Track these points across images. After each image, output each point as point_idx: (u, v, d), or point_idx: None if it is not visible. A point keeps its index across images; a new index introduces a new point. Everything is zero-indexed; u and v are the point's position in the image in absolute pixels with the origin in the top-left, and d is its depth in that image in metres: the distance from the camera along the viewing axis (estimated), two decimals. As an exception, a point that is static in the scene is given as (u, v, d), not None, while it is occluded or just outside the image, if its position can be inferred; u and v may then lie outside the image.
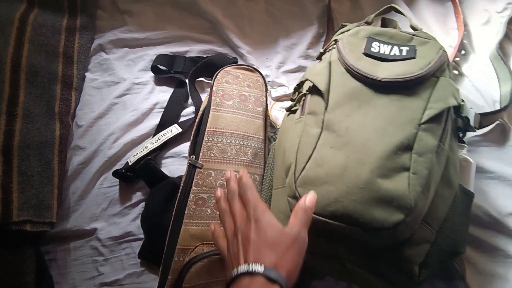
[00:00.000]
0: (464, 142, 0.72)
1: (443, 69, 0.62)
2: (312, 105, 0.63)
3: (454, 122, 0.67)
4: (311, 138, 0.60)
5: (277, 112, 0.90)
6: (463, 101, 0.65)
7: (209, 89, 0.81)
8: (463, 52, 0.91)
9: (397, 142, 0.56)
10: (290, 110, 0.70)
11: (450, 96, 0.60)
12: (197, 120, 0.78)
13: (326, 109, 0.61)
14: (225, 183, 0.59)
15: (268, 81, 0.94)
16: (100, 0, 1.02)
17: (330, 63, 0.64)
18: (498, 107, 0.85)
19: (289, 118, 0.70)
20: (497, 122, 0.83)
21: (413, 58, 0.62)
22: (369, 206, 0.54)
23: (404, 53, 0.63)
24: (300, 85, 0.69)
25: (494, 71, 0.88)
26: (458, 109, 0.63)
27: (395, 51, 0.63)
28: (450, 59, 0.88)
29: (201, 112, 0.78)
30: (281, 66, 0.95)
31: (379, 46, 0.64)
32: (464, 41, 0.91)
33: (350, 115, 0.59)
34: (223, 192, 0.59)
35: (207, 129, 0.75)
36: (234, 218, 0.54)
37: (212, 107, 0.77)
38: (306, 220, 0.51)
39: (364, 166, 0.56)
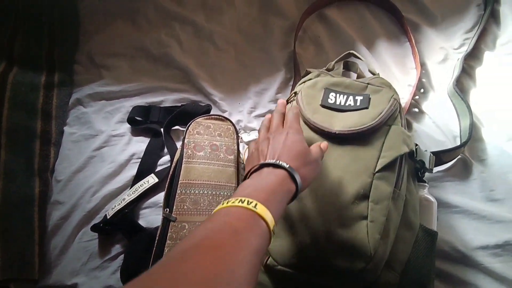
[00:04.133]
0: (424, 181, 0.76)
1: (395, 117, 0.66)
2: None
3: (412, 164, 0.71)
4: None
5: (250, 156, 0.93)
6: (416, 145, 0.69)
7: (185, 137, 0.85)
8: (422, 90, 0.95)
9: (353, 192, 0.59)
10: None
11: (402, 144, 0.63)
12: (170, 172, 0.81)
13: None
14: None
15: (241, 126, 0.97)
16: (77, 56, 1.06)
17: None
18: (459, 142, 0.88)
19: None
20: (459, 156, 0.86)
21: (366, 108, 0.65)
22: (331, 256, 0.57)
23: (358, 103, 0.67)
24: None
25: (453, 107, 0.92)
26: (412, 154, 0.67)
27: (350, 101, 0.67)
28: (410, 98, 0.92)
29: (174, 164, 0.81)
30: (253, 111, 0.99)
31: (335, 97, 0.68)
32: (423, 79, 0.96)
33: None
34: (271, 114, 0.63)
35: (180, 182, 0.77)
36: (270, 127, 0.58)
37: (184, 160, 0.80)
38: (321, 153, 0.56)
39: (324, 216, 0.59)
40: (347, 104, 0.67)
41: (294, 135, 0.55)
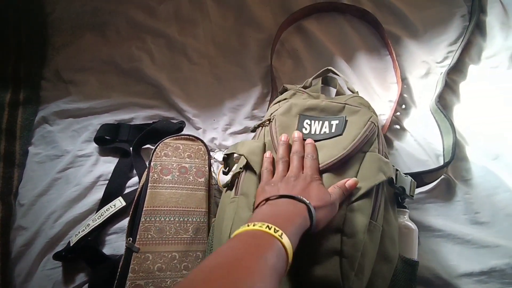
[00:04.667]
0: (405, 207, 0.71)
1: (371, 142, 0.62)
2: (245, 186, 0.62)
3: (391, 190, 0.66)
4: (243, 222, 0.58)
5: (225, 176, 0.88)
6: (397, 170, 0.65)
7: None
8: (403, 106, 0.91)
9: (324, 227, 0.55)
10: (227, 186, 0.69)
11: (378, 172, 0.59)
12: (135, 198, 0.76)
13: None
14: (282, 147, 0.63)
15: (216, 144, 0.93)
16: (44, 72, 1.01)
17: (265, 145, 0.64)
18: (442, 161, 0.84)
19: (226, 195, 0.68)
20: (442, 177, 0.82)
21: (340, 134, 0.61)
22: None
23: (333, 129, 0.63)
24: (229, 156, 0.68)
25: (436, 124, 0.88)
26: (392, 181, 0.63)
27: (326, 128, 0.63)
28: (391, 114, 0.88)
29: (139, 189, 0.76)
30: (228, 128, 0.95)
31: (310, 125, 0.64)
32: (404, 95, 0.92)
33: None
34: (287, 138, 0.63)
35: (144, 209, 0.73)
36: (291, 170, 0.58)
37: (149, 185, 0.75)
38: (342, 196, 0.56)
39: (295, 252, 0.54)
40: (322, 132, 0.64)
41: (317, 181, 0.56)
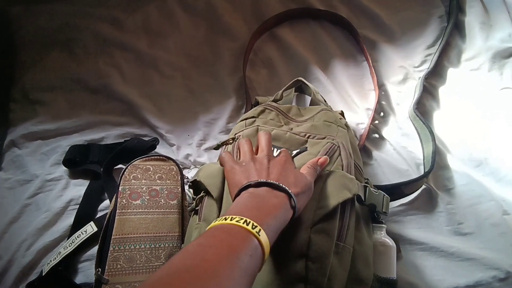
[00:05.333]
0: (381, 222, 0.68)
1: (333, 161, 0.59)
2: (206, 211, 0.59)
3: (363, 209, 0.63)
4: None
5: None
6: (367, 186, 0.61)
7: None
8: (382, 114, 0.88)
9: (287, 251, 0.52)
10: (194, 210, 0.66)
11: (342, 189, 0.56)
12: (103, 226, 0.73)
13: (218, 217, 0.57)
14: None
15: (190, 160, 0.90)
16: (12, 92, 0.97)
17: None
18: (422, 171, 0.81)
19: (193, 219, 0.65)
20: (423, 187, 0.79)
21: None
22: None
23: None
24: (194, 183, 0.65)
25: (415, 131, 0.85)
26: (360, 198, 0.60)
27: None
28: (369, 123, 0.85)
29: (108, 216, 0.73)
30: (203, 143, 0.92)
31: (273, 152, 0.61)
32: (382, 102, 0.89)
33: None
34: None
35: (112, 237, 0.70)
36: (261, 146, 0.55)
37: (117, 211, 0.72)
38: (315, 175, 0.54)
39: (257, 280, 0.51)
40: None
41: (290, 163, 0.53)
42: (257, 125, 0.66)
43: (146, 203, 0.74)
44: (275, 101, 0.77)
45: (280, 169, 0.50)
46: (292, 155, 0.60)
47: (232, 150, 0.64)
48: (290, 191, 0.47)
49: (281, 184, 0.47)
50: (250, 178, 0.49)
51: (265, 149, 0.54)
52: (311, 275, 0.50)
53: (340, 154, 0.60)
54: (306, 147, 0.61)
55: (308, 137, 0.63)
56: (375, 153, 0.84)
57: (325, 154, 0.58)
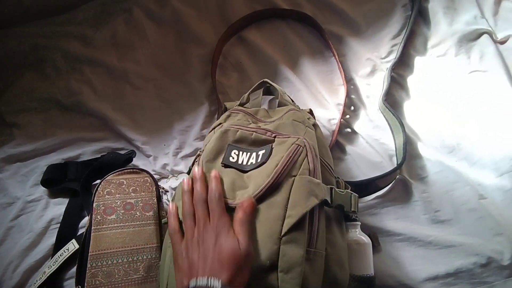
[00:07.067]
0: (355, 220, 0.68)
1: (299, 165, 0.57)
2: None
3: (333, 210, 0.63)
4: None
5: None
6: (332, 187, 0.61)
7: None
8: (352, 108, 0.88)
9: (258, 265, 0.51)
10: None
11: (309, 197, 0.55)
12: (80, 244, 0.73)
13: None
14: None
15: (168, 170, 0.90)
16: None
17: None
18: (395, 161, 0.81)
19: (167, 236, 0.65)
20: (397, 177, 0.79)
21: (265, 162, 0.58)
22: None
23: (259, 158, 0.59)
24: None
25: (386, 123, 0.85)
26: (326, 202, 0.59)
27: (253, 159, 0.60)
28: (339, 118, 0.85)
29: (84, 234, 0.74)
30: (179, 152, 0.92)
31: (237, 155, 0.61)
32: (352, 96, 0.88)
33: None
34: (190, 184, 0.59)
35: (89, 254, 0.70)
36: (197, 223, 0.55)
37: (93, 227, 0.73)
38: (250, 230, 0.52)
39: None
40: (249, 163, 0.60)
41: (223, 237, 0.51)
42: (223, 129, 0.65)
43: (121, 217, 0.74)
44: (241, 104, 0.76)
45: (212, 254, 0.50)
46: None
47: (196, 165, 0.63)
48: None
49: (210, 283, 0.47)
50: (184, 279, 0.51)
51: (201, 226, 0.54)
52: (284, 286, 0.50)
53: (306, 157, 0.59)
54: (272, 147, 0.60)
55: (275, 137, 0.62)
56: (348, 148, 0.84)
57: (288, 159, 0.57)
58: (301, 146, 0.58)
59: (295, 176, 0.56)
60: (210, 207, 0.55)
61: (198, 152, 0.67)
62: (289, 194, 0.55)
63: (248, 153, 0.61)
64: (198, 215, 0.55)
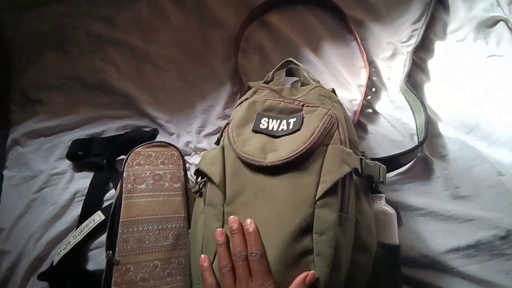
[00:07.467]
0: (380, 192, 0.70)
1: (331, 135, 0.59)
2: (210, 196, 0.60)
3: (362, 180, 0.65)
4: (213, 233, 0.57)
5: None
6: (362, 158, 0.63)
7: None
8: (373, 89, 0.90)
9: (294, 227, 0.53)
10: (198, 192, 0.67)
11: (342, 164, 0.57)
12: (111, 212, 0.74)
13: (224, 201, 0.58)
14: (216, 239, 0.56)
15: (191, 147, 0.92)
16: (10, 94, 1.00)
17: (223, 149, 0.62)
18: (416, 141, 0.84)
19: (198, 203, 0.66)
20: (418, 155, 0.81)
21: (298, 130, 0.60)
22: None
23: (291, 126, 0.61)
24: (197, 172, 0.66)
25: (407, 104, 0.88)
26: (357, 171, 0.61)
27: (283, 125, 0.61)
28: (361, 99, 0.87)
29: (114, 202, 0.75)
30: (202, 130, 0.94)
31: (267, 122, 0.62)
32: (373, 78, 0.91)
33: (248, 204, 0.56)
34: (224, 237, 0.56)
35: (120, 220, 0.71)
36: (238, 282, 0.53)
37: (124, 195, 0.73)
38: None
39: (267, 258, 0.53)
40: (280, 129, 0.61)
41: None
42: (250, 101, 0.66)
43: (151, 187, 0.76)
44: (266, 83, 0.78)
45: None
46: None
47: (227, 133, 0.64)
48: None
49: None
50: None
51: (243, 285, 0.52)
52: (319, 247, 0.52)
53: (337, 128, 0.61)
54: (303, 116, 0.62)
55: (303, 106, 0.64)
56: (370, 127, 0.87)
57: (323, 128, 0.59)
58: (333, 117, 0.60)
59: (327, 145, 0.58)
60: (252, 266, 0.53)
61: (228, 121, 0.69)
62: (323, 162, 0.57)
63: (278, 120, 0.62)
64: (239, 274, 0.53)
